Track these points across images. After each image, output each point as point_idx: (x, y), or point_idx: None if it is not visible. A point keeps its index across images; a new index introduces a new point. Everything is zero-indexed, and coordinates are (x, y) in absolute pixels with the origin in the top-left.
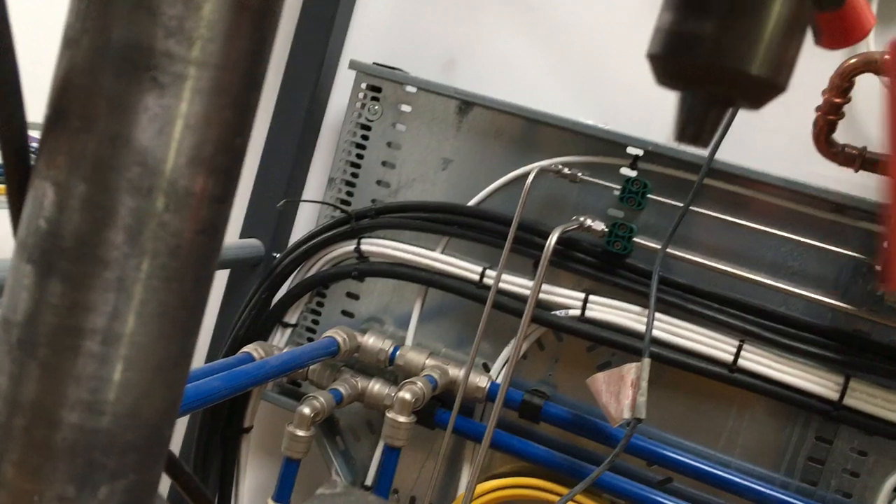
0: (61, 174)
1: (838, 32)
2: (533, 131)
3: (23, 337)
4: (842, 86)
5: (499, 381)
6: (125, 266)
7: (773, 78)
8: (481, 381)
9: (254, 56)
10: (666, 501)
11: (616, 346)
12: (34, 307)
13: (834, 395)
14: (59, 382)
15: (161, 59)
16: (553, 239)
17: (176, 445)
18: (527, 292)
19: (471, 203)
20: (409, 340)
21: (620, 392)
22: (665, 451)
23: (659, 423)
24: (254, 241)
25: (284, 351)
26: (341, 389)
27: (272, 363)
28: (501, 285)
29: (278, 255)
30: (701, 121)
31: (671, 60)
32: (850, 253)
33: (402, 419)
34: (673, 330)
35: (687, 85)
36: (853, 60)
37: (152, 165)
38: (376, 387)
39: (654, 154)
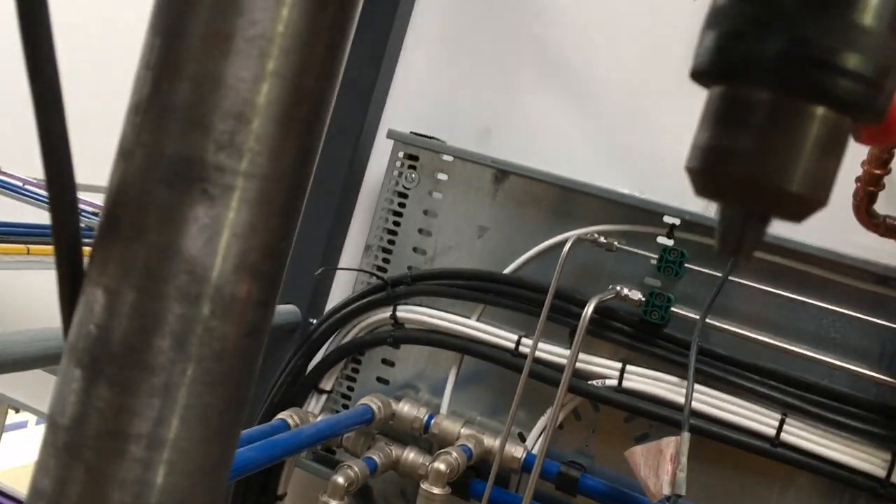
0: (112, 281)
1: (876, 132)
2: (569, 199)
3: (69, 440)
4: (881, 157)
5: (535, 451)
6: (171, 372)
7: (813, 194)
8: (517, 451)
9: (300, 165)
10: None
11: (654, 417)
12: (81, 411)
13: (881, 472)
14: (102, 486)
15: (211, 172)
16: (590, 308)
17: None
18: (563, 361)
19: (507, 271)
20: (444, 408)
21: (660, 466)
22: None
23: (700, 497)
24: (291, 308)
25: (319, 418)
26: (375, 458)
27: (306, 432)
28: (538, 354)
29: (315, 322)
30: (740, 235)
31: (709, 175)
32: (893, 325)
33: (436, 491)
34: (713, 402)
35: (725, 199)
36: None
37: (200, 273)
38: (411, 455)
39: (691, 223)
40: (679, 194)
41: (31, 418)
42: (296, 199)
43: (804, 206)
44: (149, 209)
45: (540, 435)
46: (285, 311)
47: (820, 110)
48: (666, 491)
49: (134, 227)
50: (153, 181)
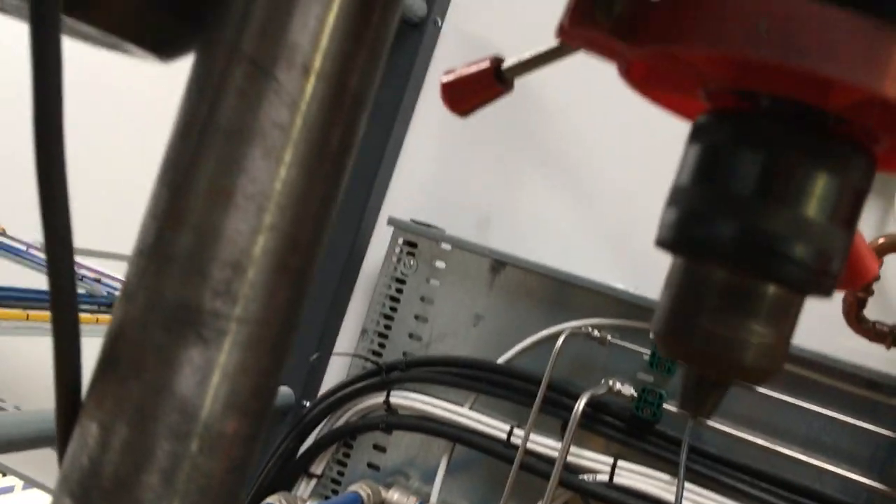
0: (107, 416)
1: (843, 279)
2: (564, 292)
3: None
4: None
5: None
6: None
7: (767, 365)
8: None
9: (291, 309)
10: None
11: None
12: None
13: None
14: None
15: (207, 317)
16: (582, 402)
17: None
18: (554, 454)
19: (501, 360)
20: (434, 497)
21: None
22: None
23: None
24: (284, 389)
25: (308, 503)
26: None
27: None
28: (529, 445)
29: (308, 404)
30: (701, 399)
31: (671, 342)
32: (885, 432)
33: None
34: (703, 502)
35: (686, 363)
36: (882, 241)
37: (191, 412)
38: None
39: None
40: None
41: (18, 483)
42: (286, 340)
43: (758, 375)
44: (146, 350)
45: None
46: (279, 392)
47: (771, 289)
48: None
49: (131, 365)
50: (152, 323)
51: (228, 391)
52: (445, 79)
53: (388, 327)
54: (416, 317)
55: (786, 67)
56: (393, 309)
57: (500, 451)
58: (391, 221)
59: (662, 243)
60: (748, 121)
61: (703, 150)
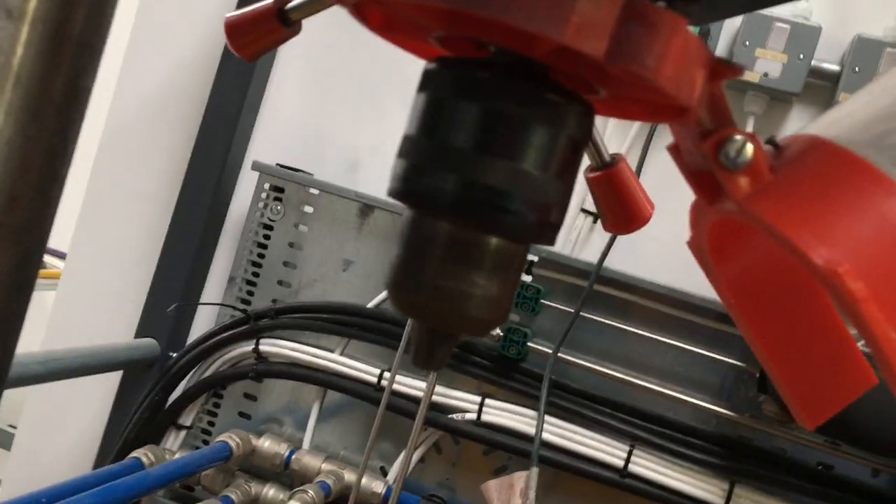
0: None
1: (621, 222)
2: None
3: None
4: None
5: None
6: None
7: (491, 315)
8: (377, 486)
9: (17, 272)
10: None
11: (510, 450)
12: None
13: (719, 502)
14: None
15: None
16: None
17: None
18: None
19: (371, 304)
20: (306, 443)
21: (510, 501)
22: None
23: None
24: (149, 341)
25: (176, 457)
26: (233, 496)
27: (155, 473)
28: (400, 388)
29: (174, 355)
30: (429, 352)
31: (398, 295)
32: (732, 361)
33: None
34: (566, 434)
35: (413, 316)
36: None
37: None
38: (270, 492)
39: (548, 260)
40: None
41: None
42: (15, 304)
43: (484, 326)
44: None
45: (407, 471)
46: (143, 344)
47: (493, 242)
48: None
49: None
50: None
51: None
52: (228, 18)
53: (256, 275)
54: (285, 263)
55: (474, 16)
56: (261, 256)
57: (370, 394)
58: (255, 166)
59: (391, 194)
60: (465, 70)
61: (426, 100)
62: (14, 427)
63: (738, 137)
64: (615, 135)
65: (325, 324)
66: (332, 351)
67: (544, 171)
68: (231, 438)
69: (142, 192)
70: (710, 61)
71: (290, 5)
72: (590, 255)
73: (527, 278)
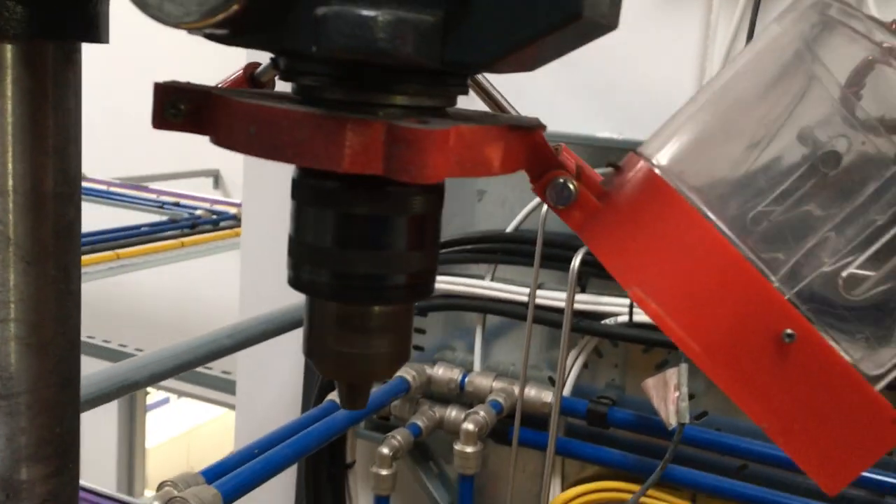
0: None
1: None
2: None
3: None
4: None
5: (566, 393)
6: None
7: (391, 365)
8: (546, 395)
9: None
10: (743, 489)
11: (667, 346)
12: None
13: None
14: None
15: None
16: (579, 255)
17: (288, 488)
18: (577, 307)
19: (509, 229)
20: (476, 366)
21: (667, 396)
22: (732, 441)
23: (726, 410)
24: None
25: None
26: (419, 423)
27: (342, 416)
28: (549, 302)
29: None
30: (353, 401)
31: (315, 363)
32: None
33: (469, 449)
34: None
35: (329, 378)
36: None
37: None
38: (453, 413)
39: None
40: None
41: (173, 395)
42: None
43: (386, 373)
44: None
45: (566, 377)
46: None
47: (375, 309)
48: (672, 421)
49: None
50: None
51: (14, 448)
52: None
53: None
54: None
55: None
56: None
57: (523, 313)
58: None
59: (290, 284)
60: (318, 182)
61: (294, 207)
62: (227, 373)
63: (560, 179)
64: (724, 7)
65: (470, 254)
66: (482, 278)
67: (402, 248)
68: (406, 372)
69: None
70: (505, 133)
71: (257, 71)
72: None
73: None
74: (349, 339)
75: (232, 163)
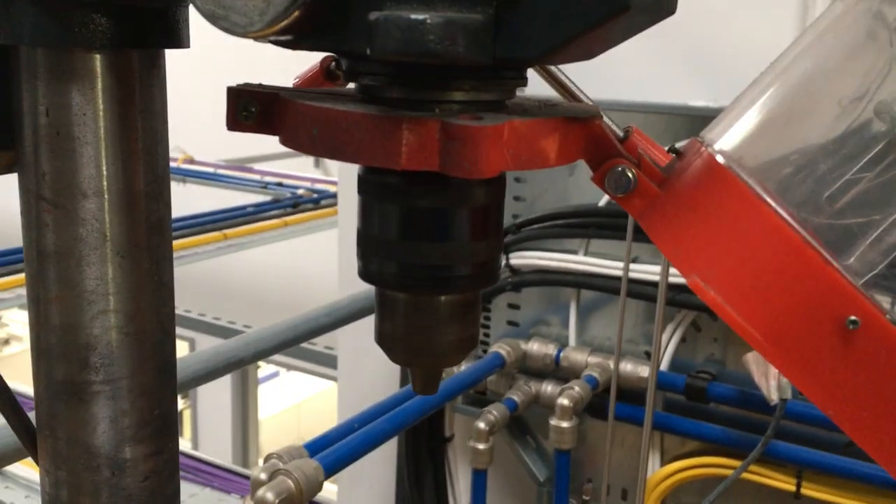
0: (46, 464)
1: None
2: (648, 123)
3: None
4: None
5: (663, 367)
6: None
7: (458, 352)
8: (642, 370)
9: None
10: (851, 466)
11: None
12: None
13: None
14: None
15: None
16: None
17: (390, 462)
18: (671, 280)
19: (601, 203)
20: (571, 340)
21: (768, 372)
22: None
23: None
24: None
25: (463, 368)
26: (515, 398)
27: (448, 386)
28: (644, 276)
29: None
30: (428, 387)
31: (387, 351)
32: None
33: (565, 424)
34: None
35: (404, 366)
36: None
37: (94, 451)
38: (548, 388)
39: None
40: None
41: (282, 369)
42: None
43: (454, 360)
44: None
45: (663, 351)
46: None
47: (442, 298)
48: (773, 396)
49: (48, 427)
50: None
51: (118, 429)
52: (294, 82)
53: None
54: (517, 179)
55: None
56: None
57: (617, 287)
58: None
59: (360, 275)
60: (381, 178)
61: (361, 203)
62: (330, 348)
63: (619, 168)
64: None
65: (562, 229)
66: (575, 252)
67: (465, 239)
68: (501, 347)
69: None
70: (562, 125)
71: (332, 65)
72: None
73: None
74: (418, 327)
75: None
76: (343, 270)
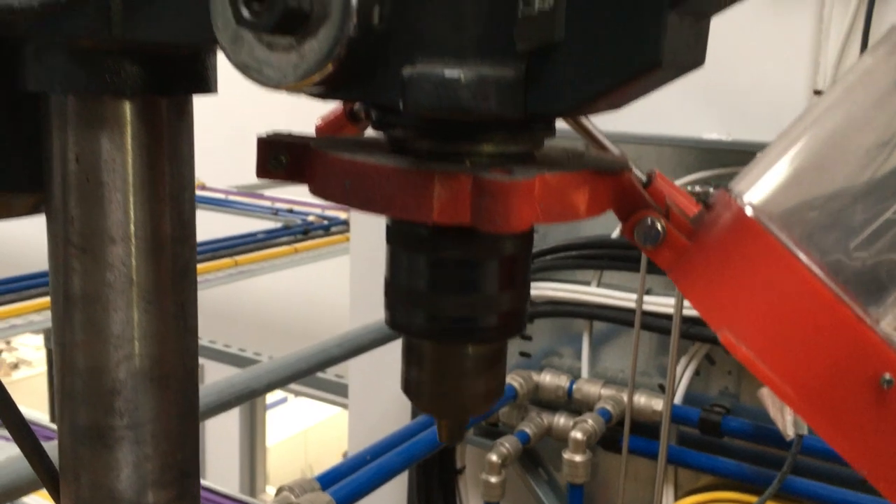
0: None
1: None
2: (661, 156)
3: None
4: None
5: (676, 401)
6: None
7: (485, 402)
8: (656, 403)
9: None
10: (868, 502)
11: None
12: None
13: None
14: None
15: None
16: None
17: (400, 493)
18: (690, 313)
19: (614, 234)
20: (584, 372)
21: (784, 406)
22: None
23: None
24: None
25: None
26: (527, 430)
27: None
28: (657, 308)
29: None
30: (449, 437)
31: (412, 401)
32: None
33: (578, 458)
34: None
35: (429, 415)
36: None
37: (118, 497)
38: (561, 420)
39: None
40: (771, 126)
41: (290, 395)
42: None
43: (482, 409)
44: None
45: (676, 384)
46: None
47: (468, 348)
48: (790, 431)
49: (71, 472)
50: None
51: (141, 474)
52: (317, 125)
53: None
54: None
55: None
56: None
57: (631, 319)
58: None
59: (387, 324)
60: (410, 229)
61: (389, 252)
62: (340, 376)
63: (648, 220)
64: (837, 6)
65: (575, 260)
66: (588, 284)
67: (493, 290)
68: (514, 379)
69: None
70: (591, 178)
71: (356, 108)
72: None
73: None
74: (445, 377)
75: None
76: (354, 299)
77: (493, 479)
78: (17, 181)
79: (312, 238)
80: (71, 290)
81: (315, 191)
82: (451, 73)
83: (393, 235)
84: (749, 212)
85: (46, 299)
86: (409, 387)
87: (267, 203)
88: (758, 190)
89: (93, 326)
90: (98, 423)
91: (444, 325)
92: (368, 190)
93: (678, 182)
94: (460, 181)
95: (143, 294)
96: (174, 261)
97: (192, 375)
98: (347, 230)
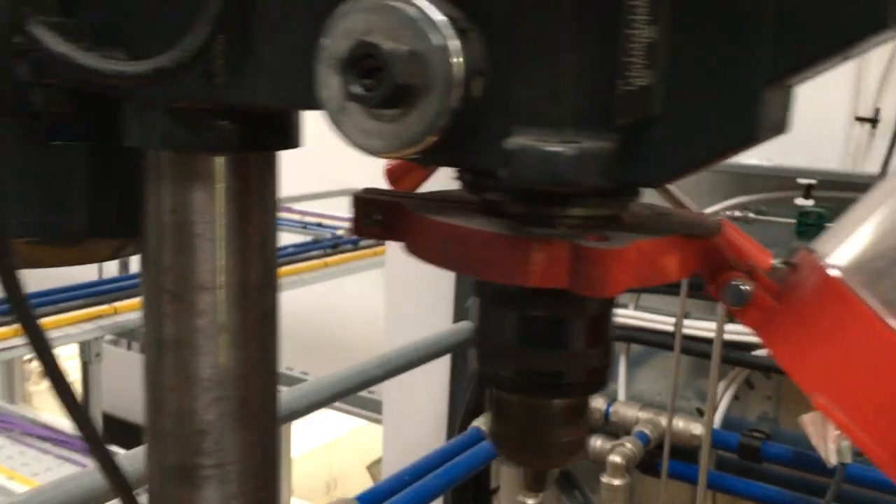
0: None
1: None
2: (699, 179)
3: None
4: None
5: (715, 425)
6: None
7: (570, 453)
8: (695, 428)
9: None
10: None
11: None
12: None
13: None
14: None
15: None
16: None
17: None
18: (728, 337)
19: None
20: (621, 395)
21: (827, 434)
22: None
23: None
24: (467, 324)
25: None
26: None
27: (486, 447)
28: (696, 332)
29: None
30: (539, 485)
31: (498, 449)
32: None
33: (616, 482)
34: None
35: (515, 463)
36: None
37: None
38: (598, 443)
39: (827, 181)
40: (812, 152)
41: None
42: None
43: (565, 461)
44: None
45: (716, 409)
46: (462, 328)
47: (555, 402)
48: (833, 460)
49: None
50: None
51: None
52: (385, 168)
53: None
54: None
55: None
56: None
57: (669, 342)
58: None
59: (477, 374)
60: (500, 285)
61: (479, 306)
62: (371, 391)
63: (735, 281)
64: None
65: None
66: (625, 307)
67: (580, 347)
68: None
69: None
70: (682, 243)
71: None
72: (871, 165)
73: (807, 202)
74: (531, 430)
75: (370, 182)
76: (390, 317)
77: (530, 501)
78: (109, 228)
79: (342, 252)
80: (163, 335)
81: (412, 250)
82: (555, 148)
83: (482, 290)
84: (835, 273)
85: (82, 312)
86: (496, 437)
87: (296, 217)
88: (842, 253)
89: (183, 370)
90: (186, 464)
91: (532, 381)
92: (467, 254)
93: (715, 208)
94: (558, 248)
95: (231, 339)
96: (259, 306)
97: (272, 414)
98: (377, 244)
